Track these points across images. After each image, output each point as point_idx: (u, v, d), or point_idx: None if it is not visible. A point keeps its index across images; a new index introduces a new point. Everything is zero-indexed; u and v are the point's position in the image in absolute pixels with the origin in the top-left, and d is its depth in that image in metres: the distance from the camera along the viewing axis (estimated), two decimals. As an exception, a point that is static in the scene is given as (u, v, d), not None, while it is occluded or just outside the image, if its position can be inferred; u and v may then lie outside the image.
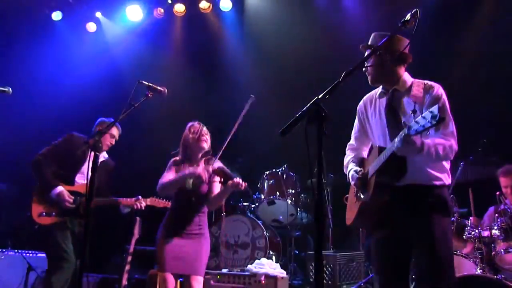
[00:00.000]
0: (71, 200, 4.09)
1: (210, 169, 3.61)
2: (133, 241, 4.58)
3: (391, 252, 2.70)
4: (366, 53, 2.78)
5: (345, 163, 3.05)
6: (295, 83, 6.92)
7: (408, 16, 2.53)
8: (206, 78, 7.60)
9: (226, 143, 3.65)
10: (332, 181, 6.05)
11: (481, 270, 3.86)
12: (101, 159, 4.31)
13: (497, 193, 4.38)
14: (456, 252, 4.01)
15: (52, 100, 7.23)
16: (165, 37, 7.80)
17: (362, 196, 2.75)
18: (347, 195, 3.09)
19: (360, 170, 2.83)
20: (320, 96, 2.17)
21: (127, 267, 4.52)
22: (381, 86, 2.88)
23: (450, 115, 2.67)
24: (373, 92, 2.98)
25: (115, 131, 4.38)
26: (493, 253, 3.97)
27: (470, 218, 4.20)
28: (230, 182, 3.54)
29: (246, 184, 3.59)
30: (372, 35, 2.89)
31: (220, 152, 3.66)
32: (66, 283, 3.99)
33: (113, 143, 4.42)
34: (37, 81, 7.35)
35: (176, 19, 7.63)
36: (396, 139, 2.42)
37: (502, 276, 3.79)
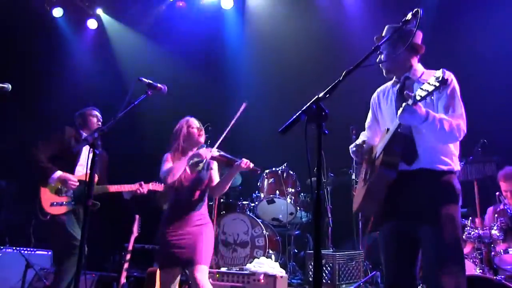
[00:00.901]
0: (76, 180, 4.09)
1: (209, 156, 3.61)
2: (132, 239, 4.57)
3: (399, 244, 2.67)
4: (379, 49, 2.77)
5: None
6: (295, 81, 6.92)
7: (409, 16, 2.54)
8: (207, 75, 7.60)
9: (219, 142, 3.68)
10: (332, 181, 6.05)
11: (480, 271, 3.85)
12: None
13: (497, 193, 4.37)
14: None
15: (52, 96, 7.22)
16: (166, 34, 7.79)
17: (370, 176, 2.73)
18: (356, 186, 3.08)
19: (363, 141, 2.91)
20: (320, 95, 2.15)
21: (126, 265, 4.51)
22: (394, 77, 2.91)
23: (461, 100, 2.64)
24: (387, 83, 3.01)
25: (94, 112, 4.44)
26: (493, 253, 3.96)
27: (475, 219, 4.18)
28: (236, 163, 3.57)
29: (252, 164, 3.60)
30: (386, 27, 2.91)
31: (216, 145, 3.66)
32: None
33: (100, 123, 4.43)
34: (37, 77, 7.34)
35: (177, 17, 7.62)
36: (399, 110, 2.45)
37: (502, 277, 3.78)
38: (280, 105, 6.67)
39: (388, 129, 2.68)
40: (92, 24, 7.77)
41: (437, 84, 2.23)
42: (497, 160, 4.88)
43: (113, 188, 4.26)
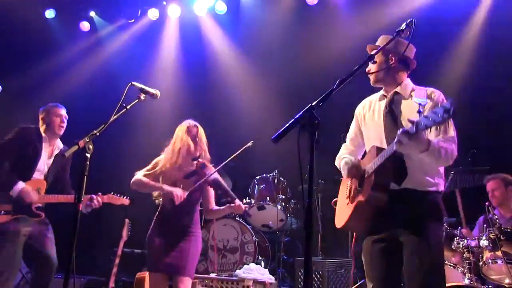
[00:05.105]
0: (37, 197, 3.74)
1: (205, 176, 3.53)
2: (121, 243, 4.56)
3: (385, 258, 2.68)
4: (376, 54, 2.71)
5: (338, 157, 3.03)
6: (289, 87, 6.92)
7: (403, 26, 2.55)
8: (200, 80, 7.57)
9: (219, 167, 3.65)
10: (323, 188, 6.05)
11: (469, 280, 3.88)
12: (56, 150, 4.00)
13: (486, 203, 4.40)
14: (445, 261, 4.02)
15: (43, 99, 7.15)
16: (159, 37, 7.77)
17: (358, 195, 2.68)
18: (336, 199, 3.06)
19: (357, 160, 2.83)
20: (313, 104, 2.16)
21: (115, 270, 4.49)
22: (382, 90, 2.88)
23: (452, 121, 2.60)
24: (373, 96, 2.98)
25: (59, 111, 4.01)
26: (481, 263, 3.99)
27: (461, 229, 4.22)
28: (232, 206, 3.61)
29: (247, 207, 3.67)
30: (380, 37, 2.90)
31: (215, 170, 3.57)
32: None
33: (63, 124, 4.01)
34: (28, 79, 7.27)
35: (170, 20, 7.61)
36: (398, 136, 2.34)
37: (489, 286, 3.81)
38: (273, 111, 6.68)
39: (377, 148, 2.63)
40: (84, 26, 7.73)
41: (446, 117, 2.08)
42: (487, 170, 4.94)
43: (49, 198, 3.84)
